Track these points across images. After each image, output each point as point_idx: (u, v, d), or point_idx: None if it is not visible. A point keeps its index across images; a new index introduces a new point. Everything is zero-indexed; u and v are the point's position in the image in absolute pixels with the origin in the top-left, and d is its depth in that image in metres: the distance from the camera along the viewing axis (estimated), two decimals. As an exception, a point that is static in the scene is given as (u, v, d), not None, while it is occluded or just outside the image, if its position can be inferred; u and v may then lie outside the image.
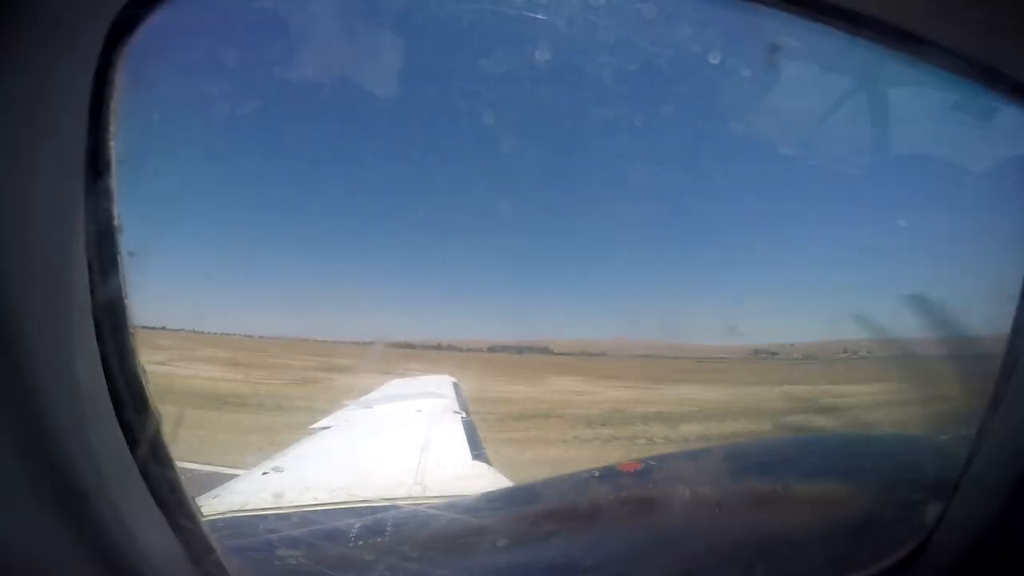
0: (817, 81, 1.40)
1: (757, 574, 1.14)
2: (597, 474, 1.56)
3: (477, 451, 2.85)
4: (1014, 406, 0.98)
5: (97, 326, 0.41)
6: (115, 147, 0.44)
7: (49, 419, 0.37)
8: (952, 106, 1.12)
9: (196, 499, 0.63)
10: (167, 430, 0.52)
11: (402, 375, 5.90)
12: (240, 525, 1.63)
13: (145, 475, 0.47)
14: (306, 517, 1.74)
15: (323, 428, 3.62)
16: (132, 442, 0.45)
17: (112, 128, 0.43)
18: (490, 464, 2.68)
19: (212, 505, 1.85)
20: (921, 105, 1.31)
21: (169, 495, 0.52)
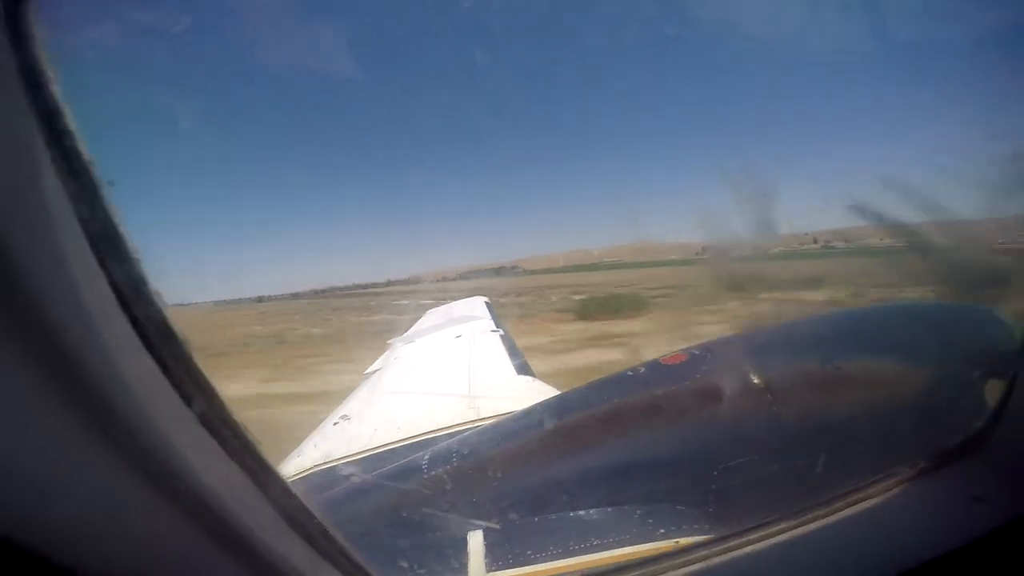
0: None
1: (818, 464, 1.10)
2: (642, 370, 1.53)
3: (519, 364, 2.99)
4: None
5: (100, 261, 0.40)
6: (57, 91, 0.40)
7: (74, 353, 0.36)
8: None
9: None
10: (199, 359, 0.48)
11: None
12: (326, 477, 1.84)
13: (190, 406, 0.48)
14: (380, 457, 1.93)
15: (376, 370, 3.89)
16: (170, 376, 0.45)
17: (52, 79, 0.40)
18: (533, 375, 2.83)
19: (297, 463, 2.08)
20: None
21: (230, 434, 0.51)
